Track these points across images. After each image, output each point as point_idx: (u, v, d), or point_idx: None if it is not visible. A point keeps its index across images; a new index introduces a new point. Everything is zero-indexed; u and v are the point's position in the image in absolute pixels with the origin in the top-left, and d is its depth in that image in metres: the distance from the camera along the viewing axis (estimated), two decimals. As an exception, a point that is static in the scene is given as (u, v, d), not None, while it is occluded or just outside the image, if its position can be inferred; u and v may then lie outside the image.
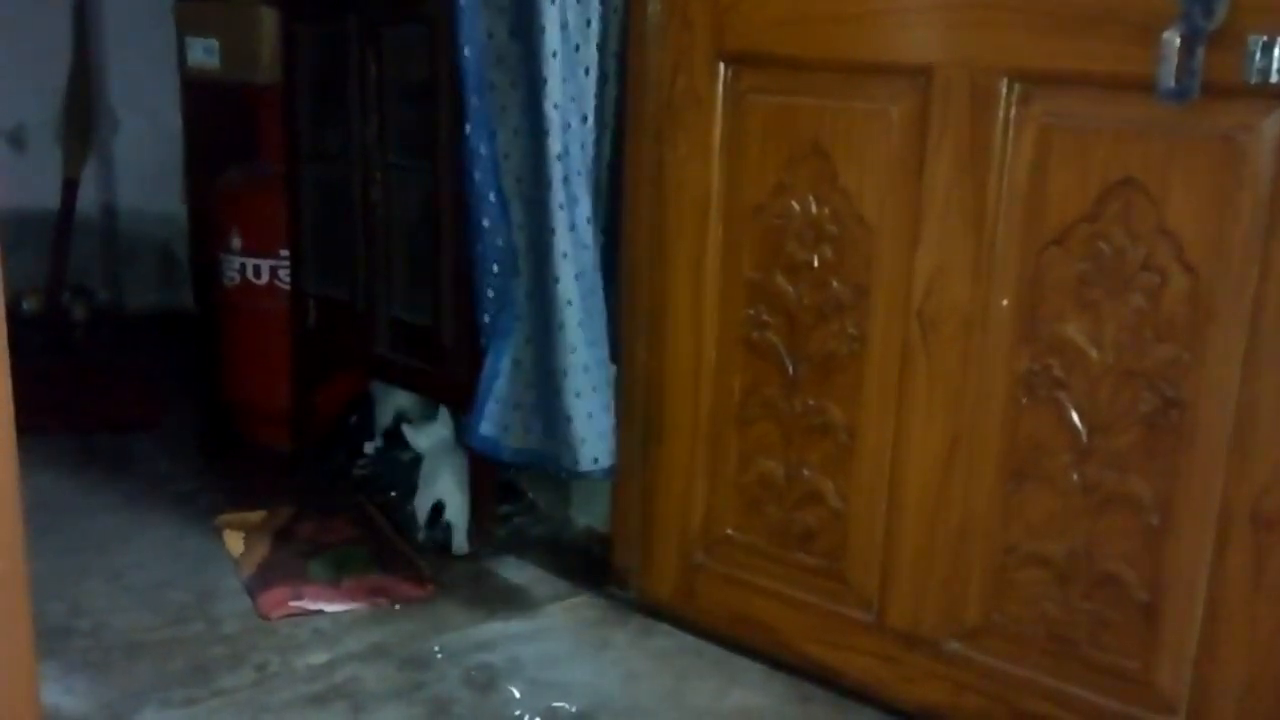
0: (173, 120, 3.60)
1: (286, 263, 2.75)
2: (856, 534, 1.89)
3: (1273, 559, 1.51)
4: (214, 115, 3.23)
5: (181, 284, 3.87)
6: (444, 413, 2.47)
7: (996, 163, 1.65)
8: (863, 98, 1.78)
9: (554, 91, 1.93)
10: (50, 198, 3.73)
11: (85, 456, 2.84)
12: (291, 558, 2.32)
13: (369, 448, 2.78)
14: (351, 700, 1.88)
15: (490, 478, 2.43)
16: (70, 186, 3.75)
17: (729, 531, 2.05)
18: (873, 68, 1.76)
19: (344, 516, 2.52)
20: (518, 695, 1.91)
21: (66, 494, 2.62)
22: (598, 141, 2.07)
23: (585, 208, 2.00)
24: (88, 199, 3.85)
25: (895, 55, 1.74)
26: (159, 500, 2.61)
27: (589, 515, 2.50)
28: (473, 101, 2.01)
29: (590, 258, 2.02)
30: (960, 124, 1.67)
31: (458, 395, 2.27)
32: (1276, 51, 1.39)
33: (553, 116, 1.94)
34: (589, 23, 1.99)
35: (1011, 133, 1.64)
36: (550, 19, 1.91)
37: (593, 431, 2.03)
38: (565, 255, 1.99)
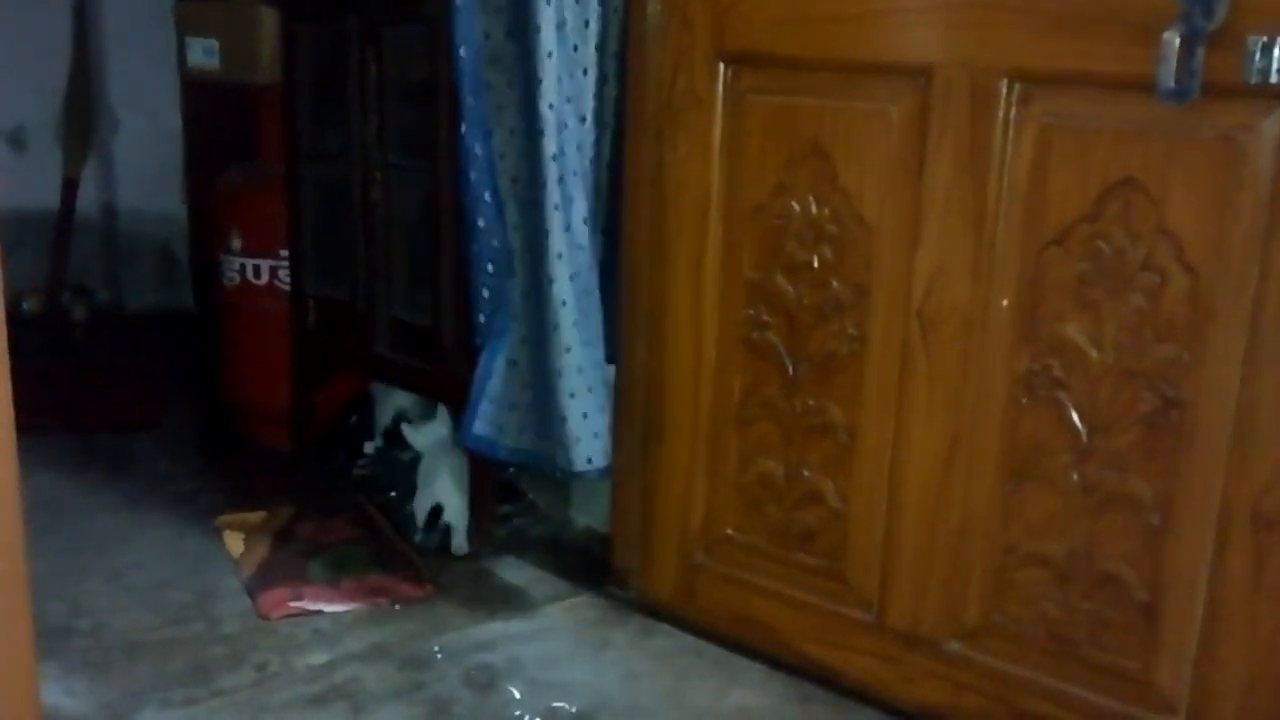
0: (173, 120, 3.60)
1: (286, 263, 2.75)
2: (856, 534, 1.89)
3: (1273, 559, 1.51)
4: (214, 115, 3.23)
5: (181, 284, 3.87)
6: (442, 411, 2.47)
7: (996, 163, 1.65)
8: (863, 98, 1.78)
9: (549, 92, 1.93)
10: (50, 198, 3.73)
11: (85, 456, 2.84)
12: (291, 558, 2.32)
13: (369, 448, 2.78)
14: (351, 700, 1.88)
15: (490, 478, 2.43)
16: (70, 186, 3.74)
17: (729, 531, 2.06)
18: (873, 68, 1.76)
19: (344, 517, 2.52)
20: (518, 695, 1.91)
21: (66, 494, 2.62)
22: (597, 142, 2.07)
23: (581, 208, 2.00)
24: (88, 199, 3.85)
25: (895, 55, 1.74)
26: (159, 500, 2.61)
27: (589, 515, 2.50)
28: (468, 101, 2.01)
29: (586, 258, 2.02)
30: (960, 124, 1.67)
31: (458, 395, 2.27)
32: (1276, 52, 1.39)
33: (548, 117, 1.94)
34: (587, 23, 1.99)
35: (1011, 133, 1.64)
36: (546, 19, 1.91)
37: (587, 432, 2.03)
38: (560, 256, 1.98)
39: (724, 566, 2.07)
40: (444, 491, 2.38)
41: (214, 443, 3.02)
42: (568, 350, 2.00)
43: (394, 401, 2.72)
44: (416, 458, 2.50)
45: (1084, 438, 1.63)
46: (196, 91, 3.33)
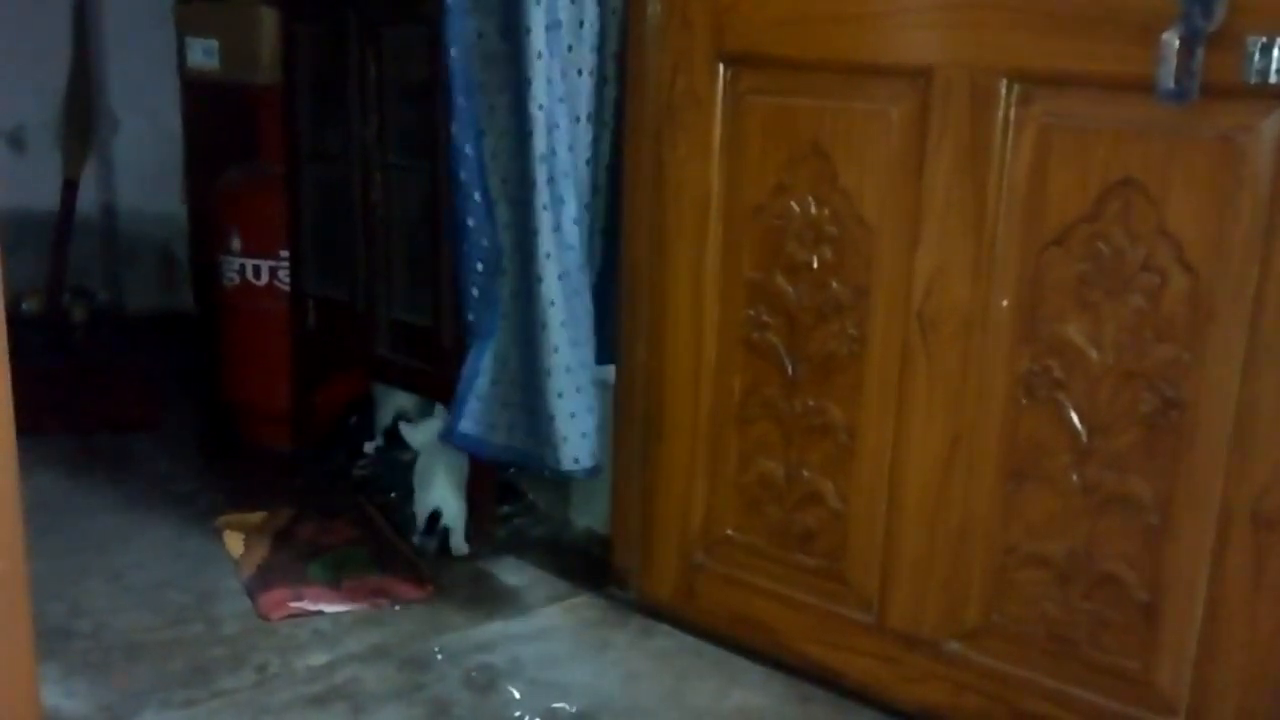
0: (173, 121, 3.60)
1: (286, 263, 2.75)
2: (856, 534, 1.89)
3: (1273, 559, 1.51)
4: (214, 115, 3.24)
5: (181, 285, 3.86)
6: (441, 411, 2.47)
7: (996, 163, 1.65)
8: (863, 98, 1.78)
9: (539, 93, 1.93)
10: (50, 198, 3.73)
11: (85, 457, 2.84)
12: (291, 559, 2.32)
13: (369, 448, 2.78)
14: (351, 701, 1.88)
15: (489, 479, 2.43)
16: (70, 187, 3.74)
17: (729, 532, 2.05)
18: (872, 68, 1.76)
19: (344, 517, 2.52)
20: (518, 696, 1.91)
21: (66, 494, 2.62)
22: (595, 142, 2.07)
23: (571, 209, 2.00)
24: (87, 200, 3.85)
25: (895, 56, 1.74)
26: (159, 501, 2.61)
27: (589, 516, 2.50)
28: (459, 102, 2.01)
29: (575, 258, 2.02)
30: (960, 125, 1.67)
31: (458, 396, 2.27)
32: (1275, 52, 1.39)
33: (537, 117, 1.94)
34: (582, 24, 1.99)
35: (1011, 133, 1.64)
36: (535, 20, 1.91)
37: (575, 431, 2.03)
38: (549, 256, 1.98)
39: (724, 567, 2.07)
40: (442, 495, 2.37)
41: (214, 443, 3.03)
42: (556, 350, 2.00)
43: (394, 402, 2.72)
44: (416, 458, 2.50)
45: (1084, 438, 1.63)
46: (196, 92, 3.33)
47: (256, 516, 2.50)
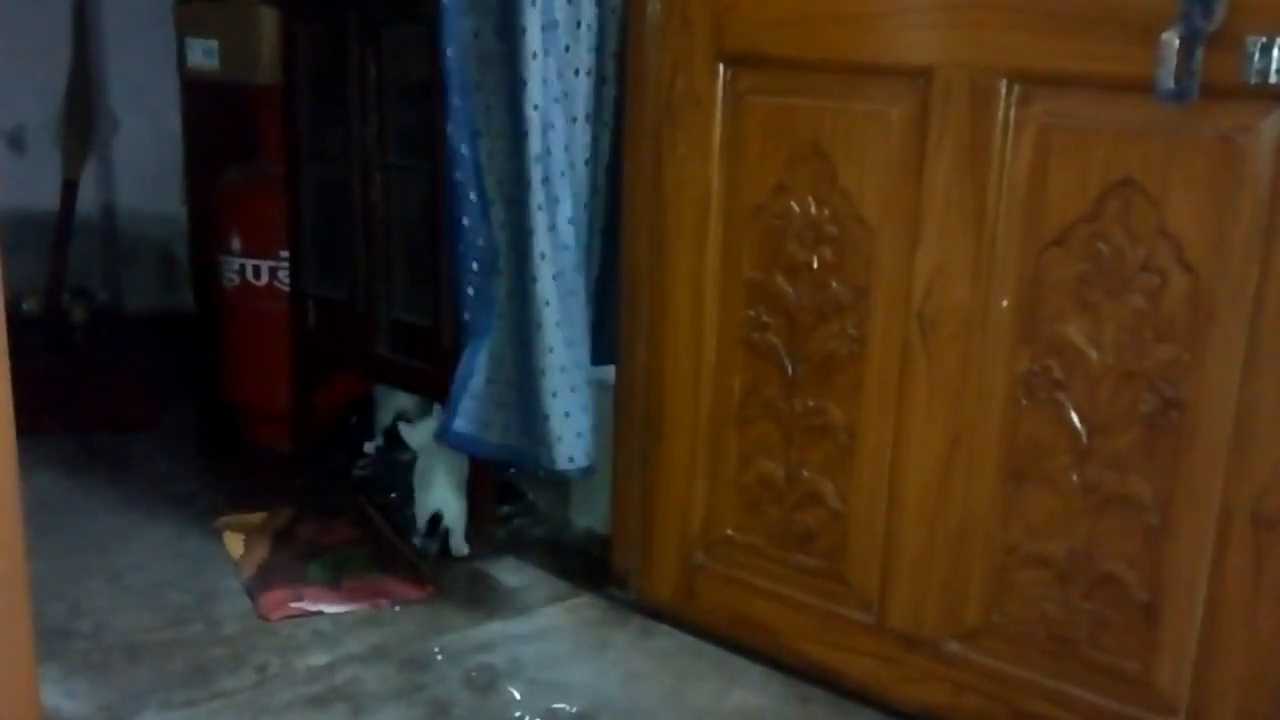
0: (172, 121, 3.60)
1: (286, 264, 2.75)
2: (856, 535, 1.89)
3: (1273, 559, 1.51)
4: (214, 116, 3.24)
5: (181, 285, 3.87)
6: (439, 411, 2.47)
7: (996, 163, 1.65)
8: (862, 98, 1.78)
9: (534, 93, 1.93)
10: (50, 199, 3.73)
11: (85, 457, 2.84)
12: (291, 559, 2.32)
13: (369, 448, 2.78)
14: (352, 702, 1.88)
15: (489, 479, 2.43)
16: (70, 187, 3.74)
17: (729, 532, 2.05)
18: (872, 69, 1.76)
19: (344, 518, 2.52)
20: (518, 696, 1.91)
21: (66, 494, 2.62)
22: (594, 142, 2.07)
23: (567, 209, 2.00)
24: (87, 200, 3.85)
25: (895, 56, 1.74)
26: (159, 501, 2.61)
27: (589, 516, 2.50)
28: (454, 102, 2.01)
29: (571, 259, 2.02)
30: (960, 125, 1.67)
31: (458, 396, 2.27)
32: (1275, 52, 1.39)
33: (532, 117, 1.94)
34: (579, 24, 1.99)
35: (1011, 133, 1.64)
36: (531, 20, 1.91)
37: (569, 431, 2.03)
38: (544, 256, 1.99)
39: (724, 567, 2.07)
40: (442, 496, 2.37)
41: (214, 443, 3.02)
42: (551, 350, 2.00)
43: (395, 402, 2.72)
44: (416, 458, 2.50)
45: (1084, 438, 1.63)
46: (196, 92, 3.33)
47: (256, 517, 2.50)
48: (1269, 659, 1.54)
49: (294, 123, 2.70)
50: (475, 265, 2.08)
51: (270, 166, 2.80)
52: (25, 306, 3.67)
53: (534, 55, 1.92)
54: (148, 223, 3.96)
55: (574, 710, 1.88)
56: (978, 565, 1.77)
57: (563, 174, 1.99)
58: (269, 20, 2.73)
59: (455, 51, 2.00)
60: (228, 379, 2.95)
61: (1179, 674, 1.61)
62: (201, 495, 2.64)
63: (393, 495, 2.63)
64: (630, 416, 2.13)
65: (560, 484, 2.51)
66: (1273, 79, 1.40)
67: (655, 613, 2.16)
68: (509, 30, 1.94)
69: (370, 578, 2.26)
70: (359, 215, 2.53)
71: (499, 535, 2.47)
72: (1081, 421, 1.63)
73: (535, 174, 1.96)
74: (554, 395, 2.01)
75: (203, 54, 2.88)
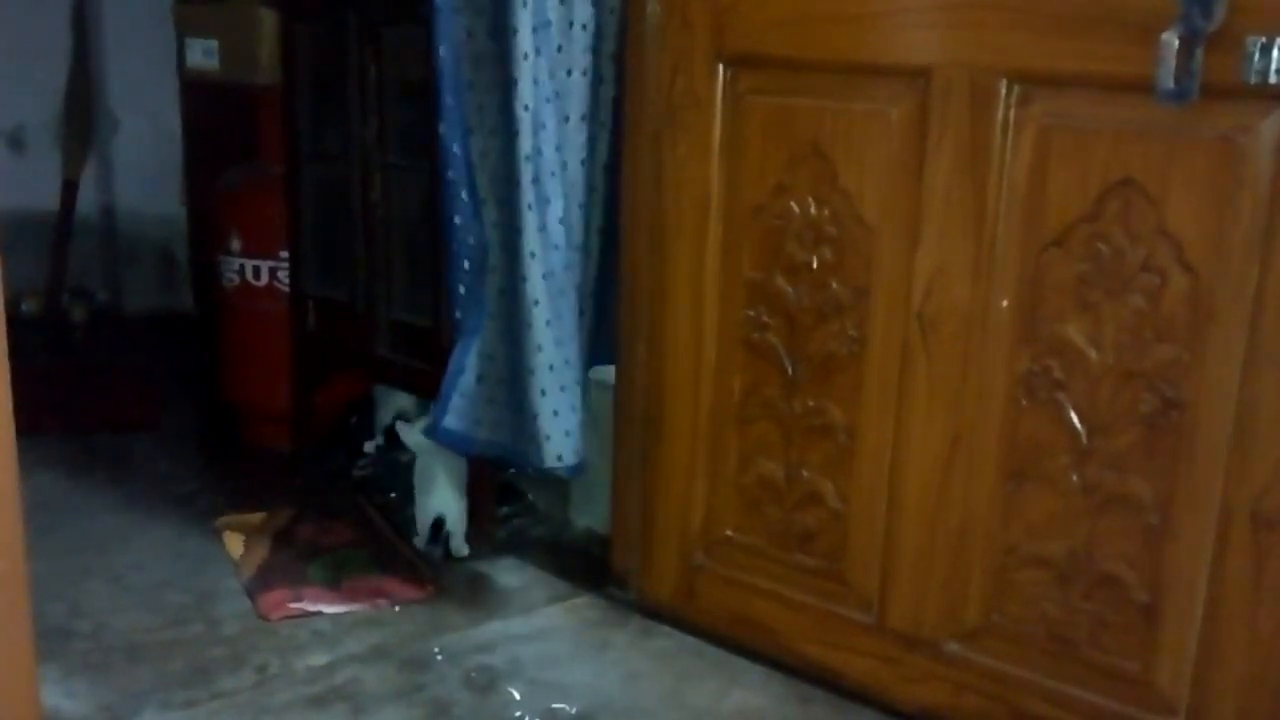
0: (172, 121, 3.60)
1: (286, 264, 2.75)
2: (856, 535, 1.89)
3: (1273, 559, 1.51)
4: (214, 116, 3.23)
5: (181, 285, 3.87)
6: (438, 410, 2.47)
7: (996, 163, 1.65)
8: (862, 99, 1.78)
9: (525, 93, 1.93)
10: (50, 199, 3.73)
11: (85, 457, 2.84)
12: (291, 559, 2.32)
13: (369, 448, 2.78)
14: (351, 702, 1.88)
15: (489, 479, 2.43)
16: (70, 188, 3.74)
17: (729, 532, 2.05)
18: (872, 69, 1.76)
19: (344, 518, 2.52)
20: (518, 696, 1.91)
21: (66, 494, 2.62)
22: (592, 142, 2.07)
23: (557, 209, 2.00)
24: (87, 200, 3.85)
25: (895, 56, 1.74)
26: (159, 501, 2.61)
27: (589, 516, 2.50)
28: (447, 101, 2.01)
29: (561, 258, 2.02)
30: (960, 125, 1.67)
31: (458, 396, 2.27)
32: (1275, 52, 1.39)
33: (523, 117, 1.94)
34: (571, 24, 1.99)
35: (1011, 133, 1.64)
36: (522, 21, 1.91)
37: (557, 429, 2.03)
38: (533, 255, 1.99)
39: (724, 567, 2.07)
40: (443, 498, 2.37)
41: (214, 443, 3.03)
42: (540, 349, 2.00)
43: (395, 402, 2.72)
44: (415, 459, 2.49)
45: (1084, 438, 1.63)
46: (196, 92, 3.33)
47: (256, 517, 2.50)
48: (1269, 659, 1.54)
49: (294, 123, 2.70)
50: (466, 263, 2.08)
51: (270, 167, 2.80)
52: (25, 307, 3.67)
53: (525, 55, 1.92)
54: (147, 223, 3.96)
55: (574, 710, 1.88)
56: (978, 565, 1.77)
57: (553, 174, 1.99)
58: (269, 20, 2.73)
59: (448, 51, 2.00)
60: (228, 379, 2.96)
61: (1179, 674, 1.61)
62: (201, 495, 2.64)
63: (393, 495, 2.63)
64: (630, 416, 2.13)
65: (560, 484, 2.51)
66: (1272, 79, 1.40)
67: (655, 613, 2.16)
68: (501, 30, 1.94)
69: (370, 578, 2.26)
70: (359, 215, 2.53)
71: (499, 535, 2.47)
72: (1081, 421, 1.63)
73: (525, 173, 1.96)
74: (542, 394, 2.01)
75: (202, 54, 2.88)
